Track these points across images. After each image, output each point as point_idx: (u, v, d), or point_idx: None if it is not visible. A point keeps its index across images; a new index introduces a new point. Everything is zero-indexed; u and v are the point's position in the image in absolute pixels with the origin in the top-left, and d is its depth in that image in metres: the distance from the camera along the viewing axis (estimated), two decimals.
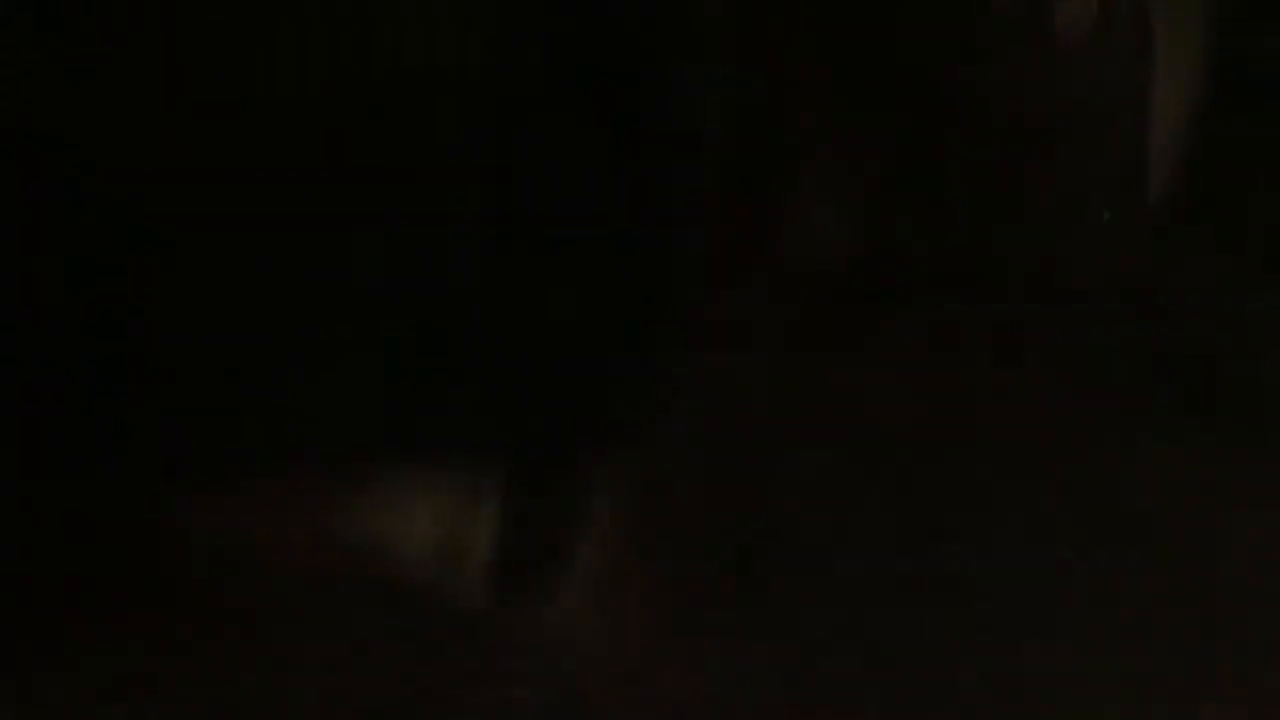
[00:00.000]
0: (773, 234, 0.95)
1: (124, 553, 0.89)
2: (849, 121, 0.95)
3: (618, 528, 0.91)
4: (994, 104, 0.94)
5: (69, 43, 0.87)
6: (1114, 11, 0.93)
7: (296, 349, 0.91)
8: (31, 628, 0.88)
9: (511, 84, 0.91)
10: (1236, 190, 0.94)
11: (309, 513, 0.91)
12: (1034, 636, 0.90)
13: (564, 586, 0.90)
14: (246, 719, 0.88)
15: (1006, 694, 0.89)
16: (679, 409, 0.92)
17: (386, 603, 0.91)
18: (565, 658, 0.89)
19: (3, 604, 0.88)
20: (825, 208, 0.94)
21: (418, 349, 0.92)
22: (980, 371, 0.94)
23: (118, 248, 0.88)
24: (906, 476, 0.91)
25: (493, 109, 0.91)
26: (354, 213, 0.91)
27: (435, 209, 0.92)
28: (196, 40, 0.88)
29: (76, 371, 0.88)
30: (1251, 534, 0.91)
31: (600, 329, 0.93)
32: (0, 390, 0.87)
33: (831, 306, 0.94)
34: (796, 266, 0.95)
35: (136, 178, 0.88)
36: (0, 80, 0.87)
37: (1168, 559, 0.90)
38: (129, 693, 0.88)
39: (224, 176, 0.89)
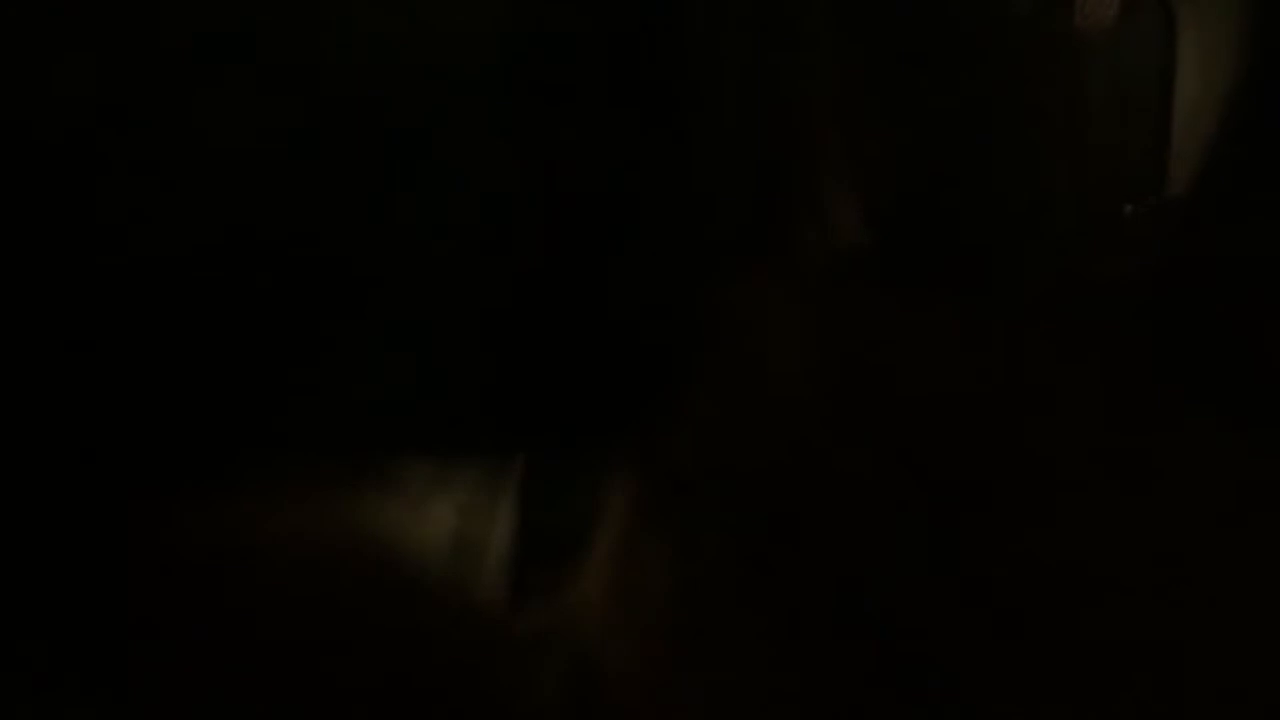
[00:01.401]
0: (794, 218, 0.94)
1: (132, 544, 0.88)
2: (872, 109, 0.94)
3: (634, 517, 0.90)
4: (1016, 92, 0.93)
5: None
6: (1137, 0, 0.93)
7: (317, 342, 0.91)
8: (38, 627, 0.87)
9: (533, 73, 0.91)
10: (1261, 178, 0.94)
11: (329, 504, 0.91)
12: (1067, 631, 0.89)
13: (579, 576, 0.90)
14: (262, 713, 0.88)
15: (1029, 686, 0.88)
16: (697, 396, 0.92)
17: (404, 593, 0.90)
18: (579, 647, 0.88)
19: (9, 603, 0.88)
20: (846, 193, 0.94)
21: (436, 342, 0.92)
22: (1004, 356, 0.93)
23: (133, 237, 0.88)
24: (929, 461, 0.90)
25: (513, 102, 0.91)
26: (374, 209, 0.91)
27: (453, 207, 0.92)
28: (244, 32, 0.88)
29: (90, 366, 0.88)
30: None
31: (618, 318, 0.93)
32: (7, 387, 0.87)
33: (852, 291, 0.94)
34: (817, 251, 0.94)
35: (159, 166, 0.88)
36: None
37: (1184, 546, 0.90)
38: (140, 688, 0.87)
39: (247, 171, 0.89)
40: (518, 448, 0.92)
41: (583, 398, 0.92)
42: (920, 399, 0.92)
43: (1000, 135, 0.94)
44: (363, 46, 0.89)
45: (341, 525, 0.90)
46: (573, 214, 0.92)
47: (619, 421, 0.92)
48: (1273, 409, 0.91)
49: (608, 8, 0.91)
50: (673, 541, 0.90)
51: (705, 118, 0.93)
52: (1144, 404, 0.92)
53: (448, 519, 0.91)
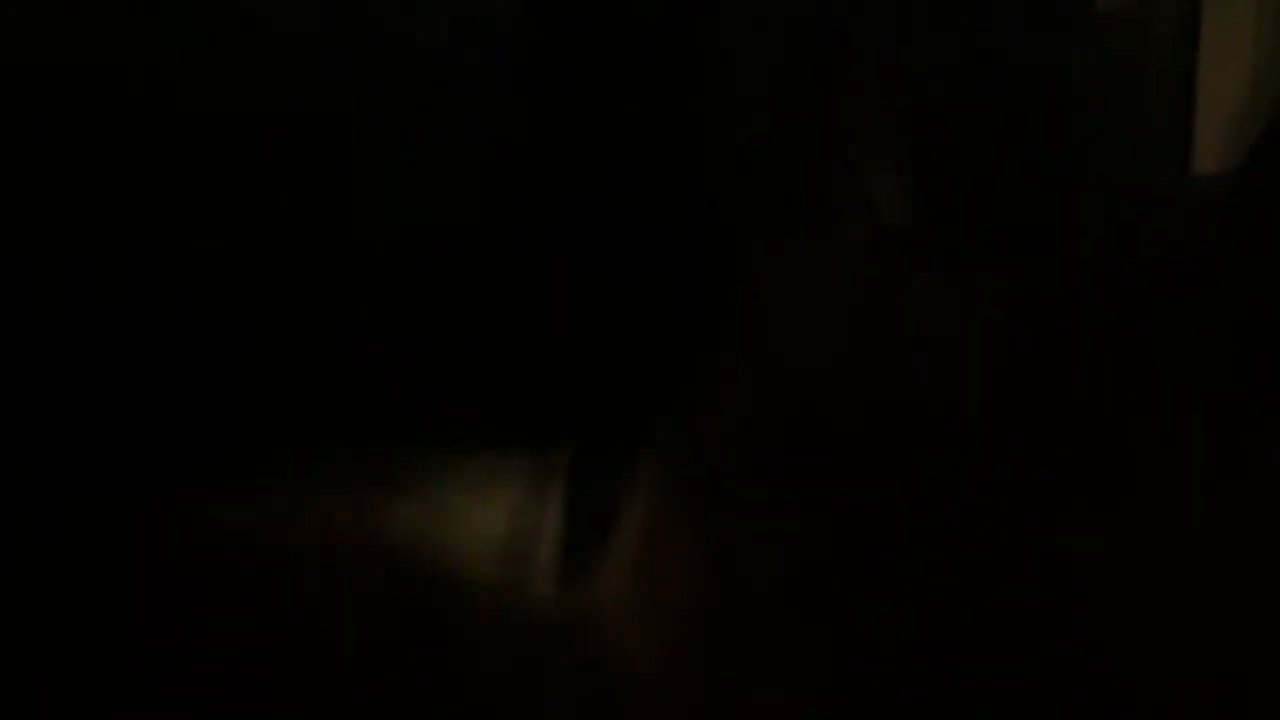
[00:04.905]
0: (833, 197, 0.94)
1: (174, 544, 0.90)
2: (910, 87, 0.94)
3: (660, 503, 0.90)
4: (1039, 73, 0.93)
5: None
6: None
7: (362, 339, 0.92)
8: (57, 628, 0.89)
9: (553, 54, 0.91)
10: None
11: (375, 502, 0.91)
12: (1102, 611, 0.88)
13: (604, 563, 0.90)
14: (305, 712, 0.89)
15: (1063, 670, 0.87)
16: (729, 381, 0.91)
17: (448, 591, 0.91)
18: (604, 634, 0.89)
19: (21, 600, 0.89)
20: (887, 170, 0.94)
21: (478, 338, 0.93)
22: (1050, 334, 0.92)
23: (150, 230, 0.89)
24: (965, 444, 0.90)
25: (536, 84, 0.91)
26: (409, 204, 0.92)
27: (484, 197, 0.92)
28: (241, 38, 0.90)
29: (110, 360, 0.89)
30: None
31: (655, 307, 0.93)
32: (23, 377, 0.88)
33: (893, 270, 0.93)
34: (858, 230, 0.94)
35: (173, 160, 0.89)
36: None
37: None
38: (177, 691, 0.88)
39: (251, 163, 0.90)
40: (562, 441, 0.93)
41: (617, 386, 0.93)
42: (964, 380, 0.92)
43: (1033, 113, 0.93)
44: (365, 30, 0.90)
45: (381, 522, 0.91)
46: (602, 196, 0.92)
47: (650, 408, 0.92)
48: None
49: None
50: (699, 527, 0.90)
51: (742, 94, 0.93)
52: (1192, 383, 0.91)
53: (498, 515, 0.92)
